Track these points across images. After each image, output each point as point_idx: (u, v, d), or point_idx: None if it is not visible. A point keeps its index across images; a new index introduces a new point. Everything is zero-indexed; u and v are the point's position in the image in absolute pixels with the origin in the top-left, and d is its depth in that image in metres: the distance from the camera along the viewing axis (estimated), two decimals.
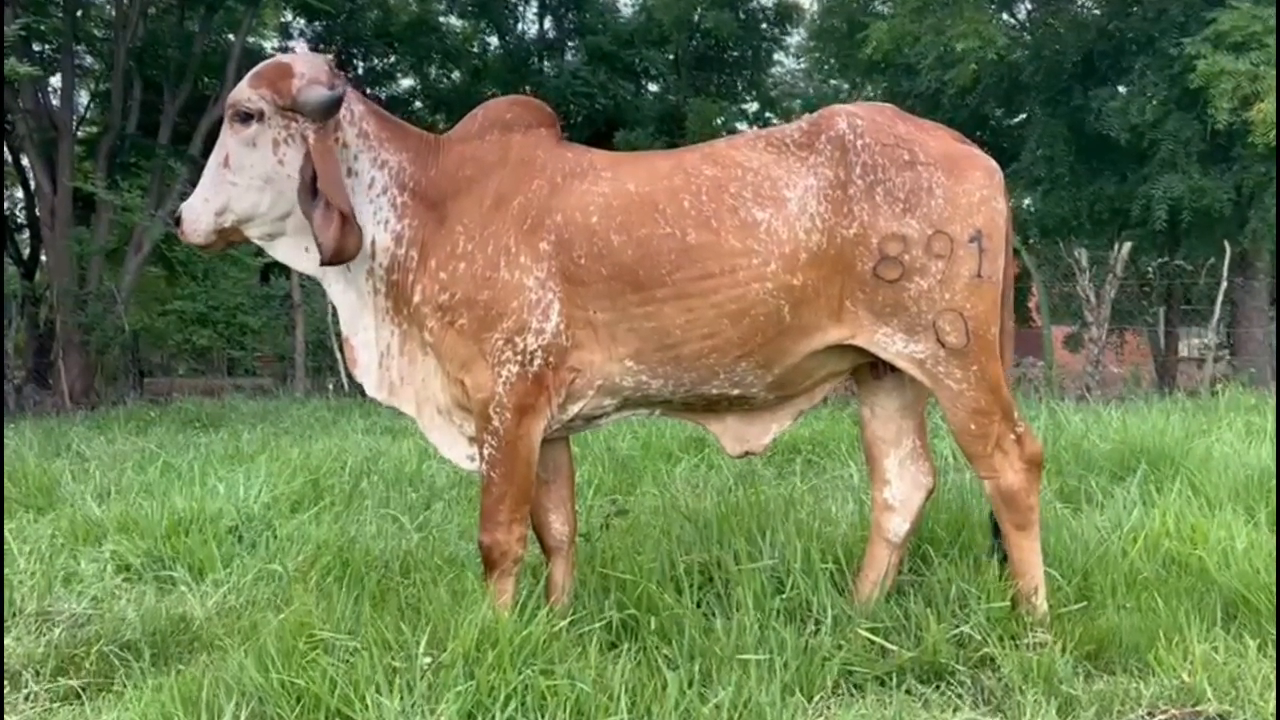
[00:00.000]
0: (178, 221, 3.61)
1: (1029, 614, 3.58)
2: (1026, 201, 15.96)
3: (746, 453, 3.83)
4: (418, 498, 5.96)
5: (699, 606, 3.73)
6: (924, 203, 3.47)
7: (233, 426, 10.22)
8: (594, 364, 3.59)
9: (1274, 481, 4.96)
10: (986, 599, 3.60)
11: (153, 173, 17.81)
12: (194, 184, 3.72)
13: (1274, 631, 3.56)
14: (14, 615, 4.01)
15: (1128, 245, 12.88)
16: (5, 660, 3.48)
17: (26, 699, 3.31)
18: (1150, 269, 14.31)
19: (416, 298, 3.60)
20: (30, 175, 18.92)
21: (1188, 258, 14.28)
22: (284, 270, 17.31)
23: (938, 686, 3.35)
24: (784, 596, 3.70)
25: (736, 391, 3.64)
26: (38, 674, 3.39)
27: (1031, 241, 15.63)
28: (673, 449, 7.20)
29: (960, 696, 3.28)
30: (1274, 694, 3.17)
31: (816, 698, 3.20)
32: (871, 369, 3.81)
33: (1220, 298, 12.95)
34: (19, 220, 26.64)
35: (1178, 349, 15.61)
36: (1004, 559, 3.77)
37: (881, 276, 3.47)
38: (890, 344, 3.55)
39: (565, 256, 3.54)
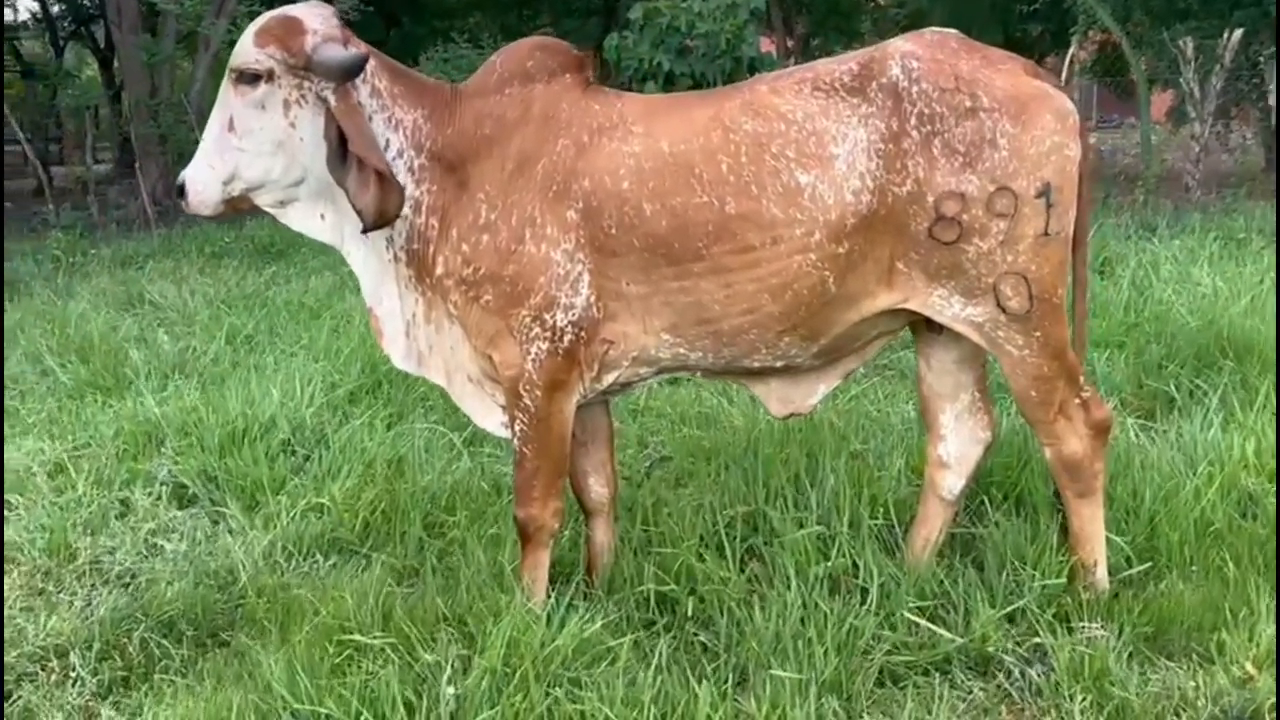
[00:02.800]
0: (180, 191, 3.37)
1: (1087, 589, 3.42)
2: None
3: (792, 414, 3.64)
4: None
5: (742, 571, 3.64)
6: (986, 155, 3.10)
7: (302, 262, 10.24)
8: (628, 335, 3.38)
9: None
10: (1041, 574, 3.43)
11: None
12: None
13: None
14: (69, 560, 4.08)
15: (1238, 31, 11.89)
16: (55, 637, 3.53)
17: (74, 684, 3.36)
18: (1261, 58, 13.22)
19: (439, 270, 3.38)
20: None
21: None
22: None
23: (984, 674, 3.25)
24: (829, 564, 3.57)
25: (780, 364, 3.43)
26: (84, 657, 3.43)
27: (1134, 24, 14.52)
28: None
29: (1008, 693, 3.17)
30: None
31: (855, 702, 3.11)
32: (927, 321, 3.54)
33: None
34: (92, 11, 26.41)
35: None
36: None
37: (937, 238, 3.16)
38: (946, 307, 3.27)
39: (594, 225, 3.26)
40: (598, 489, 3.76)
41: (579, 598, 3.54)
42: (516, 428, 3.43)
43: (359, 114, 3.26)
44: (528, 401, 3.38)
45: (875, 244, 3.20)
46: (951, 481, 3.64)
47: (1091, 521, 3.47)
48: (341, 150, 3.22)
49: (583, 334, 3.33)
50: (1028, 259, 3.18)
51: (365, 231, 3.29)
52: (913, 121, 3.12)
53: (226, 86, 3.33)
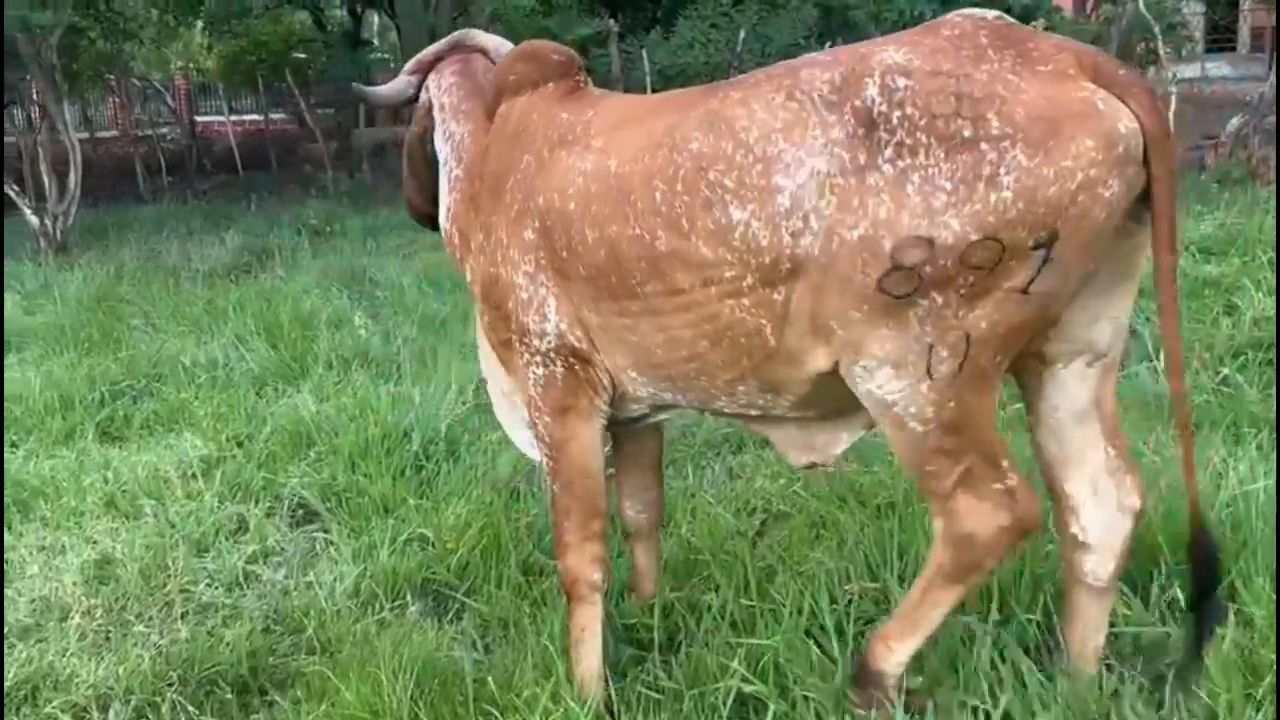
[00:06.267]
0: None
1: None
2: None
3: (813, 464, 2.93)
4: None
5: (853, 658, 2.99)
6: (980, 195, 2.23)
7: None
8: (609, 367, 2.96)
9: None
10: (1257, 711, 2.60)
11: None
12: None
13: None
14: (160, 586, 3.89)
15: None
16: (101, 686, 3.32)
17: None
18: None
19: (468, 277, 3.28)
20: None
21: None
22: None
23: None
24: (961, 672, 2.85)
25: (754, 412, 2.83)
26: (119, 714, 3.19)
27: None
28: None
29: None
30: None
31: None
32: (1036, 355, 2.66)
33: None
34: None
35: None
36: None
37: (887, 291, 2.34)
38: (867, 379, 2.46)
39: (550, 246, 2.88)
40: (632, 514, 3.49)
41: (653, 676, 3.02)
42: (543, 460, 3.10)
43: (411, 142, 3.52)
44: (541, 429, 3.04)
45: (817, 293, 2.46)
46: (1096, 565, 2.78)
47: (933, 609, 2.64)
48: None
49: (572, 360, 2.95)
50: (983, 314, 2.32)
51: None
52: (887, 154, 2.32)
53: None
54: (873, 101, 2.34)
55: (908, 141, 2.29)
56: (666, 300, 2.67)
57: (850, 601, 3.19)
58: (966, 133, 2.24)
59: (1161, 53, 13.41)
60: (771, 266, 2.47)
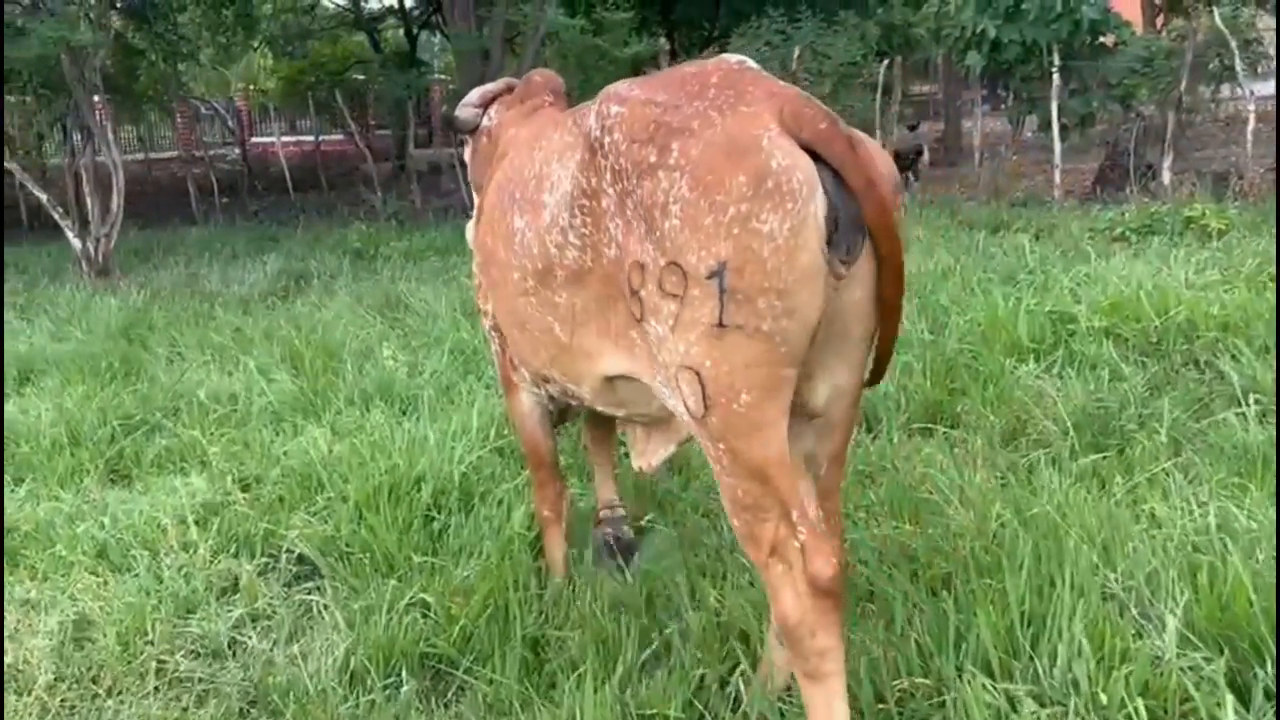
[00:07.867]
0: None
1: None
2: None
3: (641, 470, 3.14)
4: None
5: None
6: (658, 222, 2.37)
7: None
8: None
9: None
10: None
11: None
12: None
13: None
14: (137, 653, 3.53)
15: None
16: None
17: None
18: None
19: None
20: None
21: None
22: None
23: None
24: None
25: (574, 401, 3.30)
26: None
27: None
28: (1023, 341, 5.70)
29: None
30: None
31: None
32: None
33: None
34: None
35: None
36: None
37: (632, 313, 2.54)
38: (667, 395, 2.57)
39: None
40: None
41: None
42: None
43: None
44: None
45: (604, 304, 2.69)
46: None
47: (824, 711, 2.42)
48: None
49: (502, 340, 3.53)
50: (701, 352, 2.36)
51: None
52: (608, 178, 2.51)
53: None
54: (590, 128, 2.56)
55: (616, 166, 2.45)
56: (496, 290, 3.22)
57: (899, 699, 2.76)
58: (652, 159, 2.36)
59: (1238, 69, 12.79)
60: (545, 272, 2.82)
